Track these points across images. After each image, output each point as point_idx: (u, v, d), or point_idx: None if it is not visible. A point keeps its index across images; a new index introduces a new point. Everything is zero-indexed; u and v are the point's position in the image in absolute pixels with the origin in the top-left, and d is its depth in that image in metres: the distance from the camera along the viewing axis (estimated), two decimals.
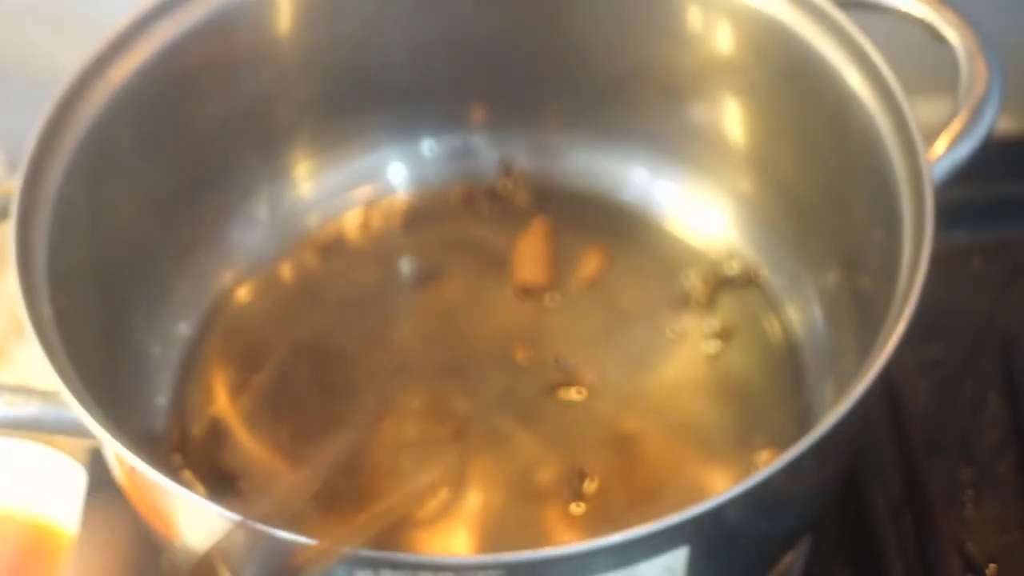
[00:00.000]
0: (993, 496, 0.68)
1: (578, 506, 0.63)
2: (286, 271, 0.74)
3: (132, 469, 0.51)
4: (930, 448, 0.69)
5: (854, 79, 0.62)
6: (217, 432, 0.66)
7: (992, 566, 0.65)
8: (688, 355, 0.69)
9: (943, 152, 0.59)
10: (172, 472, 0.50)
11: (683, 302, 0.71)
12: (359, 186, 0.77)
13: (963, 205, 0.76)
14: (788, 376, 0.68)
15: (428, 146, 0.78)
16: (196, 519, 0.51)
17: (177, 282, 0.70)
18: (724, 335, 0.70)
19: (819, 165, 0.67)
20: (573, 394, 0.67)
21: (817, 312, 0.69)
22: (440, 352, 0.69)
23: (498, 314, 0.71)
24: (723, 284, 0.71)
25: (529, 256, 0.71)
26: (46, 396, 0.54)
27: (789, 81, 0.67)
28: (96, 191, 0.62)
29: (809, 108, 0.66)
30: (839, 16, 0.63)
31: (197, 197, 0.71)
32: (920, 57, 0.63)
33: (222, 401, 0.68)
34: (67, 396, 0.51)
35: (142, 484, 0.53)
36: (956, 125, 0.60)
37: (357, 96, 0.74)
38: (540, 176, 0.78)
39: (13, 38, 0.85)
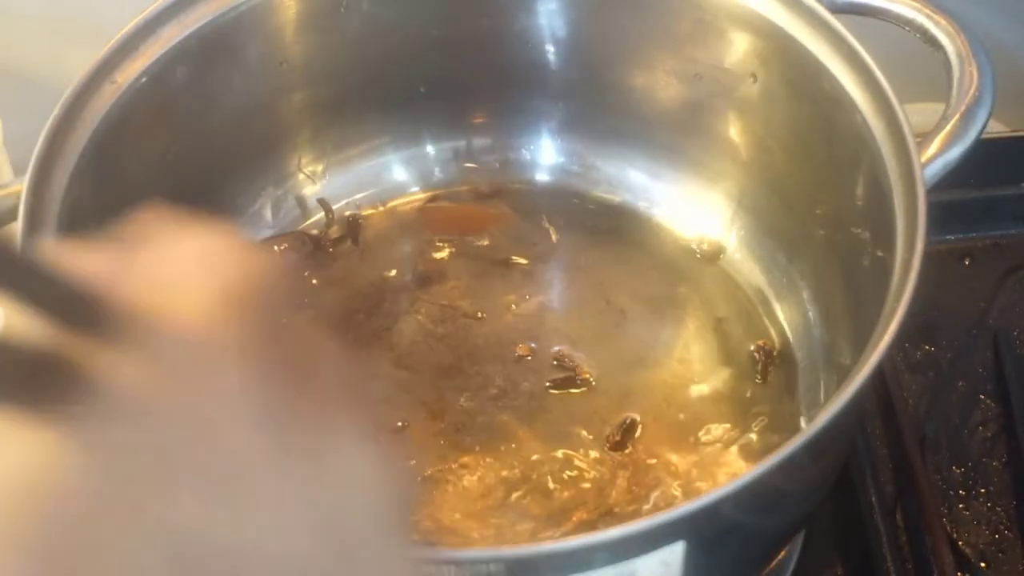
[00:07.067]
0: (984, 494, 0.68)
1: (576, 501, 0.63)
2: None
3: None
4: (922, 446, 0.69)
5: (847, 82, 0.62)
6: None
7: (983, 563, 0.66)
8: (685, 353, 0.70)
9: (935, 154, 0.59)
10: None
11: (680, 303, 0.72)
12: (363, 188, 0.78)
13: (955, 206, 0.77)
14: (783, 374, 0.69)
15: (431, 148, 0.78)
16: None
17: None
18: (720, 333, 0.71)
19: (812, 166, 0.67)
20: (572, 391, 0.68)
21: (811, 311, 0.70)
22: (442, 350, 0.70)
23: (499, 312, 0.72)
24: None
25: None
26: None
27: (783, 84, 0.67)
28: (102, 192, 0.62)
29: (803, 111, 0.67)
30: (832, 20, 0.63)
31: (202, 199, 0.70)
32: (912, 60, 0.64)
33: None
34: None
35: None
36: (948, 127, 0.60)
37: (361, 99, 0.75)
38: (539, 177, 0.79)
39: (20, 42, 0.84)
